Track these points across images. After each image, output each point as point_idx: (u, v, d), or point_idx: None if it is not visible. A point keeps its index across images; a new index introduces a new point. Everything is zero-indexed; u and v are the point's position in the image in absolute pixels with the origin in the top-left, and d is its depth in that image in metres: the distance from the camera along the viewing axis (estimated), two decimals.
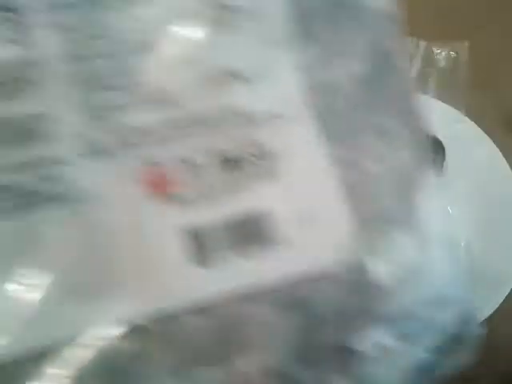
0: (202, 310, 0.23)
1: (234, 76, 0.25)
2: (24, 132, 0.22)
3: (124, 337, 0.22)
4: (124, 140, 0.23)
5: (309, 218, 0.25)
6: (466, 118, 0.50)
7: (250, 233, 0.24)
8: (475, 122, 0.50)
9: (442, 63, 0.52)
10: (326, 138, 0.26)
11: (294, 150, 0.26)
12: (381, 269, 0.26)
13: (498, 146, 0.49)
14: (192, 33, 0.25)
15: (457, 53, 0.52)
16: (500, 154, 0.49)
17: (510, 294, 0.42)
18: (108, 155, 0.23)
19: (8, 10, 0.22)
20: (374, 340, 0.25)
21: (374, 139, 0.27)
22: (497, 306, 0.41)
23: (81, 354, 0.21)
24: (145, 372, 0.22)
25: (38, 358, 0.21)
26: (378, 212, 0.26)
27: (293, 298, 0.24)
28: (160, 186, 0.24)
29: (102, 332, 0.22)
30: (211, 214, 0.24)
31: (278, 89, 0.26)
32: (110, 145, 0.23)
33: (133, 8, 0.24)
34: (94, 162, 0.23)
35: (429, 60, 0.52)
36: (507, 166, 0.48)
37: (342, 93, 0.27)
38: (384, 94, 0.28)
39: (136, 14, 0.24)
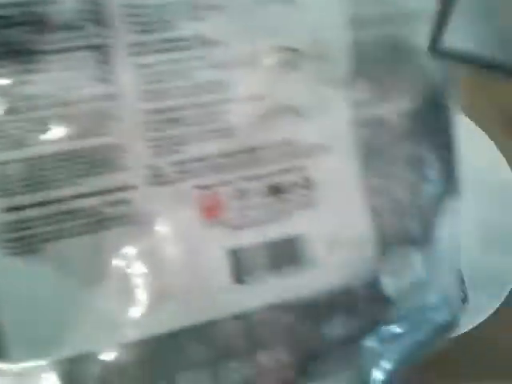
0: (237, 316, 0.26)
1: (290, 111, 0.27)
2: (100, 161, 0.24)
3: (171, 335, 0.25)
4: (184, 169, 0.25)
5: (338, 243, 0.28)
6: (466, 118, 0.50)
7: (285, 254, 0.27)
8: (475, 122, 0.50)
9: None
10: (365, 168, 0.28)
11: (334, 180, 0.28)
12: (392, 283, 0.29)
13: (497, 146, 0.49)
14: (258, 72, 0.26)
15: None
16: (500, 153, 0.49)
17: (510, 294, 0.43)
18: (169, 183, 0.25)
19: (96, 49, 0.24)
20: (377, 337, 0.29)
21: (407, 169, 0.29)
22: (497, 306, 0.42)
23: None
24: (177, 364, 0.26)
25: None
26: (401, 236, 0.29)
27: (312, 307, 0.27)
28: (212, 211, 0.26)
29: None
30: (254, 237, 0.26)
31: (328, 123, 0.27)
32: (171, 173, 0.25)
33: (208, 49, 0.26)
34: (157, 189, 0.25)
35: None
36: (507, 166, 0.49)
37: (386, 128, 0.29)
38: (425, 129, 0.30)
39: (208, 54, 0.26)
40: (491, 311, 0.42)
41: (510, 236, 0.46)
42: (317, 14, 0.27)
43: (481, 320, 0.41)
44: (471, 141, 0.50)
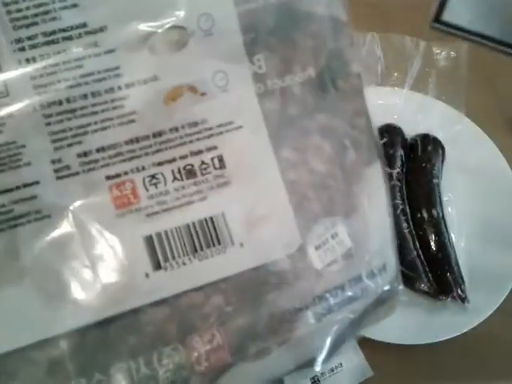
0: (160, 302, 0.26)
1: (189, 90, 0.27)
2: (1, 160, 0.25)
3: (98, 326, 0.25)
4: (90, 160, 0.26)
5: (259, 220, 0.27)
6: (466, 118, 0.50)
7: (204, 236, 0.27)
8: (475, 122, 0.50)
9: (442, 63, 0.52)
10: (277, 142, 0.28)
11: (246, 157, 0.28)
12: (320, 256, 0.28)
13: (497, 146, 0.49)
14: (148, 53, 0.26)
15: (457, 53, 0.52)
16: (500, 153, 0.48)
17: (510, 293, 0.42)
18: (76, 174, 0.25)
19: None
20: (310, 312, 0.29)
21: (322, 140, 0.29)
22: (497, 306, 0.41)
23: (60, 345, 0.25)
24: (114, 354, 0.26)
25: None
26: (323, 208, 0.29)
27: (240, 286, 0.27)
28: (125, 200, 0.26)
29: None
30: (171, 222, 0.26)
31: (231, 99, 0.27)
32: (77, 165, 0.25)
33: (93, 37, 0.26)
34: (64, 182, 0.25)
35: (429, 60, 0.52)
36: (507, 166, 0.48)
37: (292, 99, 0.28)
38: (332, 96, 0.29)
39: (95, 42, 0.26)
40: (491, 311, 0.41)
41: (510, 236, 0.45)
42: None
43: (481, 320, 0.40)
44: (471, 140, 0.50)
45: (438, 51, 0.52)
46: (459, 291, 0.42)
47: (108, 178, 0.26)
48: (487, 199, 0.47)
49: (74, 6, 0.25)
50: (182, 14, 0.26)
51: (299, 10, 0.28)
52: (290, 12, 0.28)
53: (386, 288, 0.31)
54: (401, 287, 0.32)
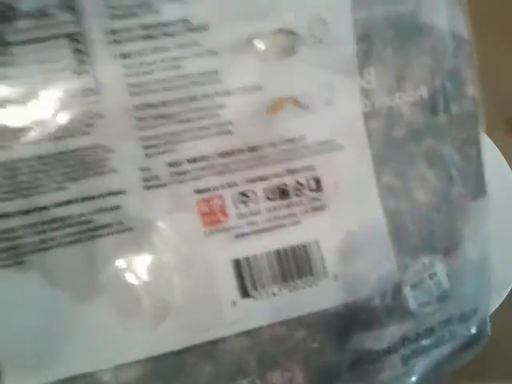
0: (245, 333, 0.24)
1: (292, 102, 0.24)
2: (85, 164, 0.22)
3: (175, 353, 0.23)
4: (180, 171, 0.23)
5: (354, 250, 0.25)
6: None
7: (295, 265, 0.25)
8: None
9: None
10: (379, 166, 0.26)
11: (346, 181, 0.25)
12: (415, 296, 0.27)
13: (497, 146, 0.49)
14: (253, 59, 0.24)
15: None
16: (500, 153, 0.49)
17: (510, 293, 0.43)
18: (164, 186, 0.23)
19: (70, 37, 0.22)
20: (397, 355, 0.27)
21: (428, 168, 0.27)
22: (497, 306, 0.42)
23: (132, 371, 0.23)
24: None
25: None
26: (423, 243, 0.27)
27: (327, 321, 0.25)
28: (214, 217, 0.24)
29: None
30: (260, 246, 0.24)
31: (335, 116, 0.25)
32: (166, 176, 0.23)
33: (195, 35, 0.23)
34: (151, 193, 0.23)
35: None
36: (507, 166, 0.48)
37: (401, 120, 0.26)
38: (444, 120, 0.27)
39: (196, 41, 0.23)
40: (491, 311, 0.42)
41: (509, 236, 0.46)
42: None
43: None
44: None
45: None
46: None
47: (197, 191, 0.23)
48: None
49: (177, 0, 0.23)
50: (292, 16, 0.24)
51: (419, 22, 0.26)
52: (410, 23, 0.26)
53: (474, 331, 0.29)
54: (488, 330, 0.30)
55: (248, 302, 0.24)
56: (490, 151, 0.49)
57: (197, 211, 0.24)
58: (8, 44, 0.21)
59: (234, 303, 0.24)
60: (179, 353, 0.23)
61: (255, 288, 0.24)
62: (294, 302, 0.24)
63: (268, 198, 0.24)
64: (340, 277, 0.25)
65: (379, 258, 0.26)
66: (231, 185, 0.24)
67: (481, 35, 0.49)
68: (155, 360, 0.23)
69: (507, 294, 0.42)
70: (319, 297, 0.25)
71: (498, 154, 0.49)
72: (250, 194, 0.24)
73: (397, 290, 0.26)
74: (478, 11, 0.52)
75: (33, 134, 0.22)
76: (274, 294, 0.24)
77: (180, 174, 0.23)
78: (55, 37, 0.22)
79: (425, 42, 0.26)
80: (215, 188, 0.24)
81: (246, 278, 0.24)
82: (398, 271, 0.26)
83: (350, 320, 0.25)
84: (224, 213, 0.24)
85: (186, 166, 0.23)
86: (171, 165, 0.23)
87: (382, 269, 0.26)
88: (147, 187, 0.23)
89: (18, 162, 0.22)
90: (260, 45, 0.24)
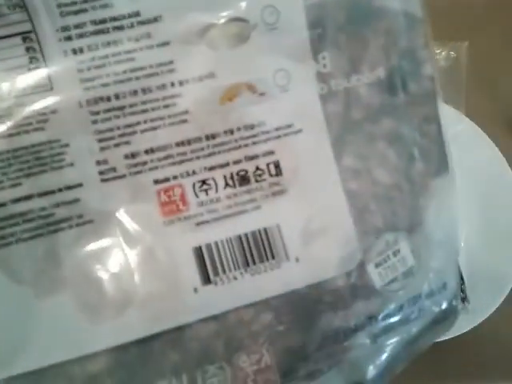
0: (210, 318, 0.25)
1: (248, 89, 0.25)
2: (40, 159, 0.23)
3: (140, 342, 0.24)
4: (138, 162, 0.24)
5: (316, 233, 0.25)
6: (466, 118, 0.50)
7: (257, 249, 0.25)
8: (475, 122, 0.50)
9: (442, 63, 0.52)
10: (338, 148, 0.26)
11: (305, 163, 0.25)
12: (380, 274, 0.27)
13: (497, 146, 0.49)
14: (205, 48, 0.24)
15: (456, 53, 0.52)
16: (500, 154, 0.49)
17: (510, 293, 0.42)
18: (122, 177, 0.24)
19: (22, 36, 0.22)
20: (365, 333, 0.27)
21: (387, 148, 0.27)
22: (497, 306, 0.41)
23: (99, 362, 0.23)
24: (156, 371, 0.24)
25: None
26: (385, 221, 0.27)
27: (293, 303, 0.25)
28: (174, 206, 0.24)
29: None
30: (222, 232, 0.25)
31: (292, 100, 0.25)
32: (123, 167, 0.24)
33: (147, 27, 0.24)
34: (109, 185, 0.23)
35: None
36: (507, 166, 0.48)
37: (358, 102, 0.26)
38: (401, 100, 0.27)
39: (148, 33, 0.24)
40: (491, 311, 0.41)
41: (509, 235, 0.46)
42: None
43: (481, 320, 0.41)
44: (471, 141, 0.50)
45: (438, 51, 0.52)
46: (459, 291, 0.43)
47: (156, 182, 0.24)
48: (487, 199, 0.47)
49: None
50: (243, 4, 0.24)
51: (372, 5, 0.26)
52: (362, 6, 0.26)
53: (444, 307, 0.29)
54: (459, 306, 0.30)
55: (209, 287, 0.24)
56: (490, 151, 0.49)
57: (156, 201, 0.24)
58: None
59: (196, 290, 0.24)
60: (145, 341, 0.24)
61: (217, 274, 0.24)
62: (256, 285, 0.25)
63: (228, 185, 0.25)
64: (302, 259, 0.25)
65: (341, 239, 0.26)
66: (190, 173, 0.24)
67: (481, 35, 0.50)
68: (121, 349, 0.23)
69: (507, 294, 0.42)
70: (281, 280, 0.25)
71: (498, 154, 0.49)
72: (209, 182, 0.24)
73: (361, 269, 0.26)
74: (477, 11, 0.52)
75: None
76: (235, 278, 0.24)
77: (138, 165, 0.24)
78: (8, 36, 0.22)
79: (379, 24, 0.26)
80: (174, 177, 0.24)
81: (207, 264, 0.24)
82: (361, 251, 0.26)
83: (315, 301, 0.25)
84: (184, 202, 0.24)
85: (144, 157, 0.24)
86: (128, 156, 0.23)
87: (345, 250, 0.26)
88: (105, 180, 0.23)
89: None
90: (212, 34, 0.24)
